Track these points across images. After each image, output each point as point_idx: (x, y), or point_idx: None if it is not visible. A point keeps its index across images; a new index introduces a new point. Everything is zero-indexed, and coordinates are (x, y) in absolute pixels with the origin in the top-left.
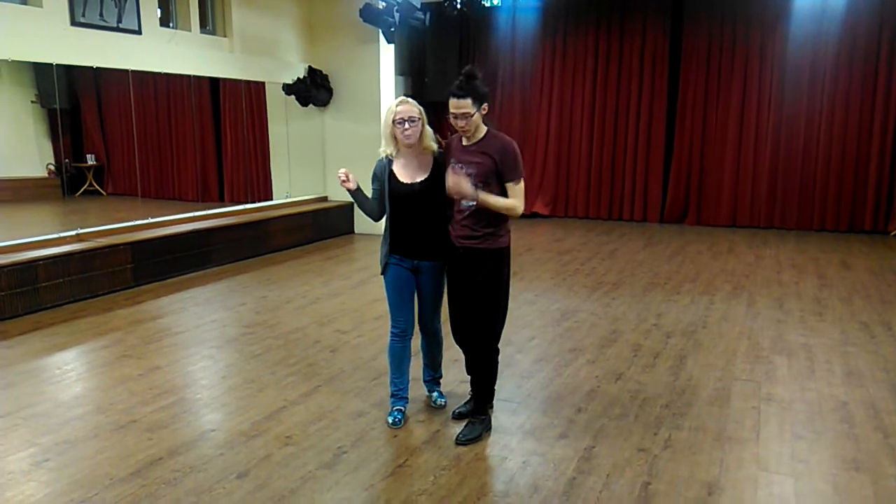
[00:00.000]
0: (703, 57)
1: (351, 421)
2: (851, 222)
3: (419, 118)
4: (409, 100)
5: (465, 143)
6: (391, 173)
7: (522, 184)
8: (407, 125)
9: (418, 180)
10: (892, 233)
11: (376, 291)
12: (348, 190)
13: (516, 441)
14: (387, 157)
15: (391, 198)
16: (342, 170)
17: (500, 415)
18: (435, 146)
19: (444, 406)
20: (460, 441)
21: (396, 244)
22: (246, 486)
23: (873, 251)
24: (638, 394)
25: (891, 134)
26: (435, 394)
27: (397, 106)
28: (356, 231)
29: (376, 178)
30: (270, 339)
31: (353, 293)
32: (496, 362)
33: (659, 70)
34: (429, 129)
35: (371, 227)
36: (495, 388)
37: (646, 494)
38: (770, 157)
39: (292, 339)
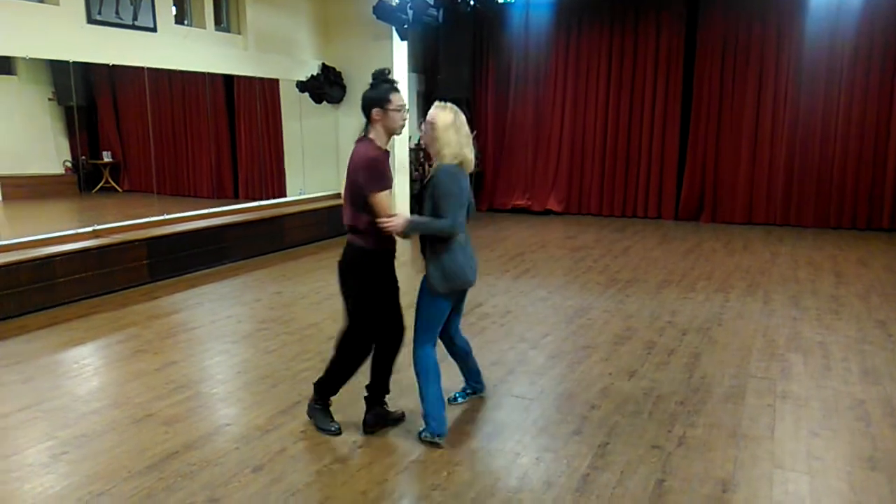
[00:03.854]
0: (718, 54)
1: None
2: (869, 220)
3: None
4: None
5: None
6: None
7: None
8: None
9: None
10: None
11: None
12: None
13: (529, 437)
14: None
15: None
16: None
17: (514, 411)
18: None
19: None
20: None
21: None
22: (261, 479)
23: (892, 249)
24: (652, 391)
25: None
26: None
27: None
28: None
29: None
30: (285, 335)
31: None
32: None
33: (674, 67)
34: None
35: None
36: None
37: (660, 491)
38: (786, 154)
39: (307, 334)
